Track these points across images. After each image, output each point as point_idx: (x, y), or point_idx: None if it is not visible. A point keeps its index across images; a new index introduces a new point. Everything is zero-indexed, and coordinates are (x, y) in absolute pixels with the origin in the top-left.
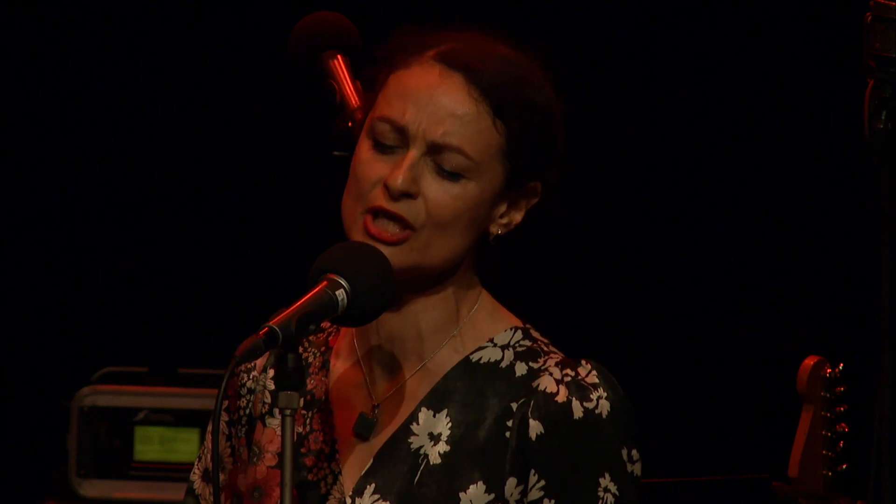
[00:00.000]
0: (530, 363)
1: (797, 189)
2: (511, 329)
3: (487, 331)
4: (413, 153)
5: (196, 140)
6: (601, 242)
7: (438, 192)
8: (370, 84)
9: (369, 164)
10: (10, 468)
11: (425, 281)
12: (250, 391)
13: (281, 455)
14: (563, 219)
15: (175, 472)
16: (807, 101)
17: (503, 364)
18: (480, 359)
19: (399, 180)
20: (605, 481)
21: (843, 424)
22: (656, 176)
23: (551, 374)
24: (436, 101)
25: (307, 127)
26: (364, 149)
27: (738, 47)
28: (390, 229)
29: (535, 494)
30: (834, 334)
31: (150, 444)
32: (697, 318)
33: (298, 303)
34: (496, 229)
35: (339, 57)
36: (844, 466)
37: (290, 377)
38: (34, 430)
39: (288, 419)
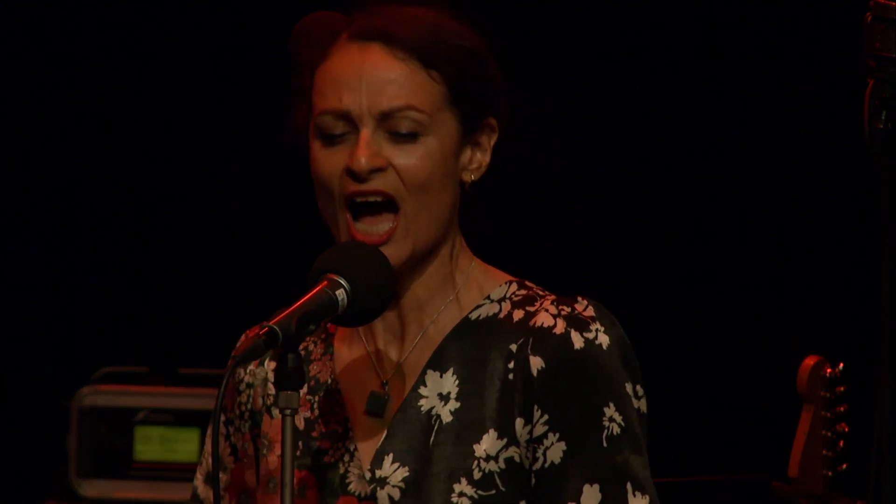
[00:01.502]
0: (527, 308)
1: (797, 189)
2: (506, 283)
3: (483, 289)
4: (365, 131)
5: (196, 140)
6: (600, 243)
7: (403, 158)
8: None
9: (326, 159)
10: (10, 468)
11: (422, 257)
12: (249, 385)
13: (284, 449)
14: (559, 221)
15: (175, 472)
16: (807, 101)
17: (501, 315)
18: (479, 316)
19: (363, 161)
20: (610, 411)
21: (843, 424)
22: (656, 177)
23: (547, 311)
24: (366, 75)
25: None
26: (315, 149)
27: (739, 46)
28: (375, 230)
29: (539, 430)
30: (834, 334)
31: (150, 444)
32: (697, 317)
33: (298, 303)
34: (469, 176)
35: None
36: (844, 466)
37: (291, 377)
38: (34, 430)
39: (288, 419)
